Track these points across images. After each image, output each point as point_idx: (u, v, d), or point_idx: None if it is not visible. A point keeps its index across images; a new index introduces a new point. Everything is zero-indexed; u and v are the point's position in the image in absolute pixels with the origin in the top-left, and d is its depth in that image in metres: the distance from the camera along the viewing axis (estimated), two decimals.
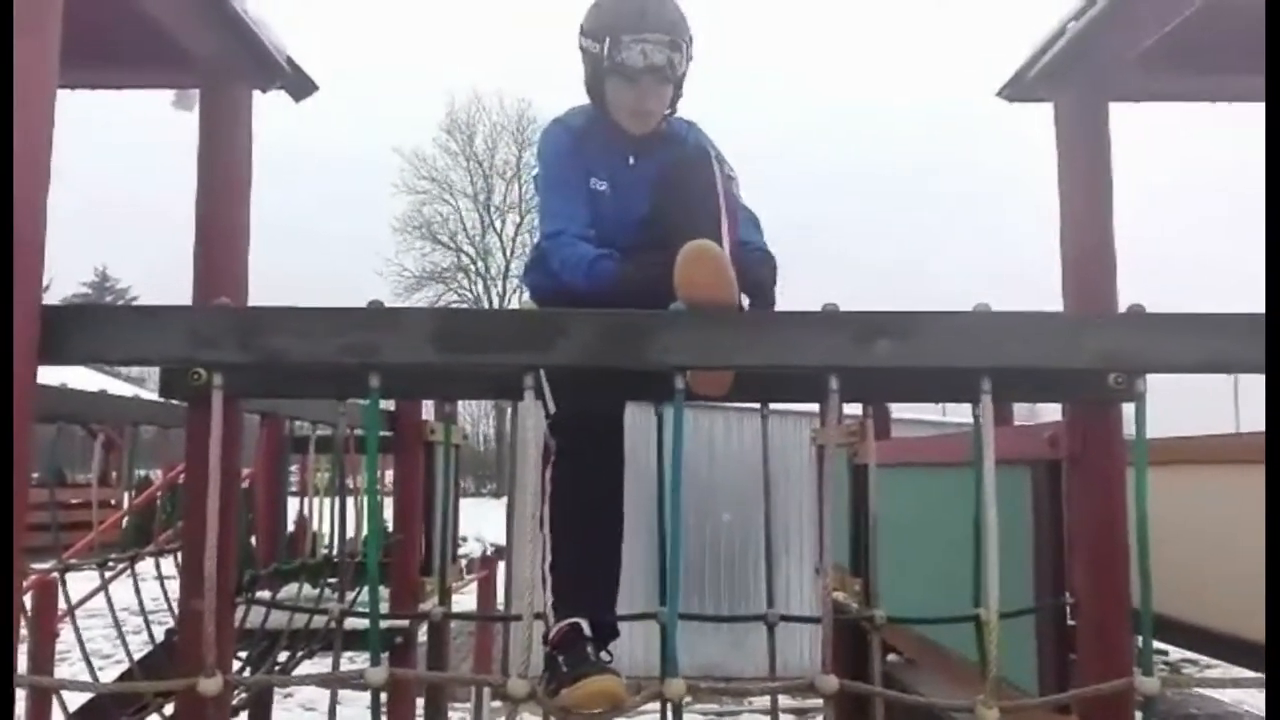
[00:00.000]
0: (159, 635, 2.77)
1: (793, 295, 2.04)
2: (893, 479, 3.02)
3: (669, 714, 1.60)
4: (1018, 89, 2.20)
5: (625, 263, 1.99)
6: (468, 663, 6.19)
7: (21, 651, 1.39)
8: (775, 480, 1.91)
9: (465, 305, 29.71)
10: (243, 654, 2.64)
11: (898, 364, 1.30)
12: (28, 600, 2.75)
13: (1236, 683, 1.46)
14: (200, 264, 2.00)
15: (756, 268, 2.00)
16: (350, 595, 2.23)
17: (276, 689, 4.58)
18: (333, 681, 1.51)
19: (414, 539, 3.58)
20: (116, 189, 43.14)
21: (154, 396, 1.93)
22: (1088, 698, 1.63)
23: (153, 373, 1.64)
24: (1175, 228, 37.89)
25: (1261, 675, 1.28)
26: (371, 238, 37.34)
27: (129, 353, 1.35)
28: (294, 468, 3.92)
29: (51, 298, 1.39)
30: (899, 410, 4.96)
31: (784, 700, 5.70)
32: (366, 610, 1.35)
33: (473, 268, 32.26)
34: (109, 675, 3.57)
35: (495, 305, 29.29)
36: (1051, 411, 2.11)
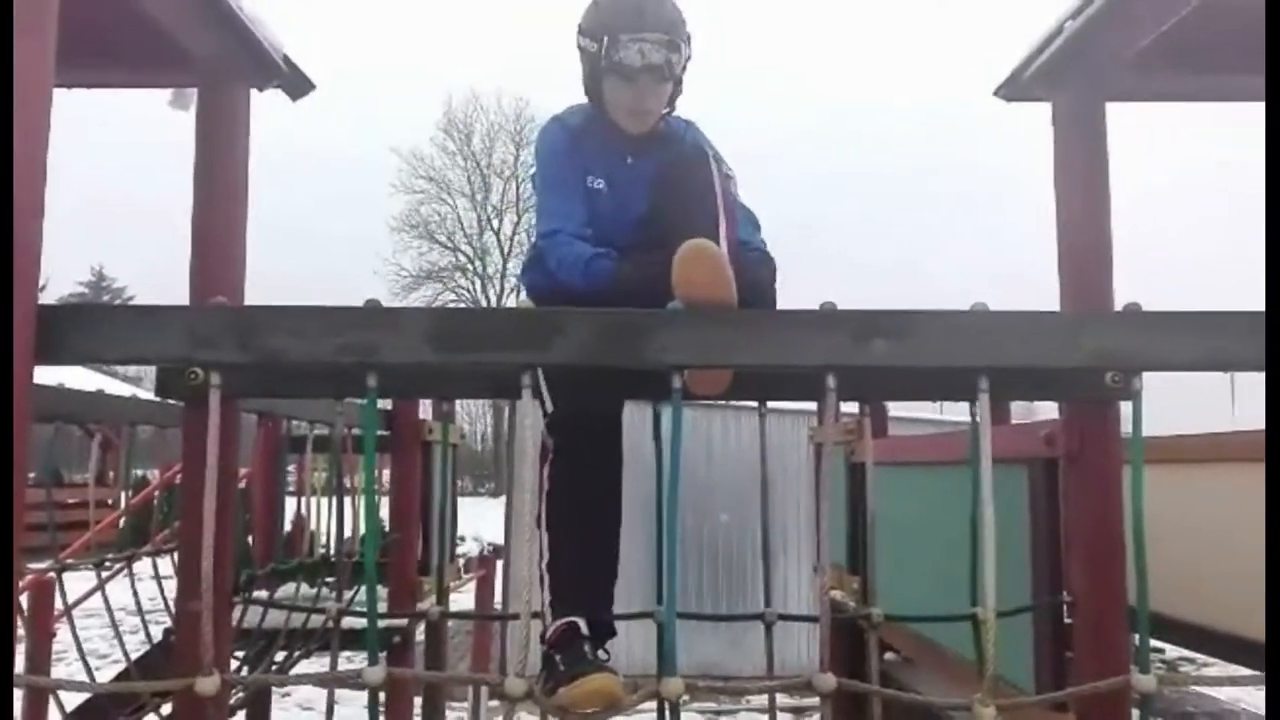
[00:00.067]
0: (156, 635, 2.77)
1: (792, 295, 2.04)
2: (890, 478, 3.02)
3: (666, 713, 1.60)
4: (1015, 88, 2.20)
5: (623, 262, 1.98)
6: (465, 662, 6.19)
7: (18, 651, 1.39)
8: (773, 479, 1.91)
9: (463, 305, 29.68)
10: (240, 653, 2.64)
11: (895, 363, 1.30)
12: (24, 600, 2.75)
13: (1233, 680, 1.47)
14: (197, 263, 2.00)
15: (755, 268, 2.00)
16: (348, 594, 2.23)
17: (274, 688, 4.57)
18: (330, 681, 1.51)
19: (411, 538, 3.57)
20: (113, 188, 43.18)
21: (151, 396, 1.93)
22: (1085, 696, 1.63)
23: (149, 372, 1.64)
24: (1175, 227, 38.03)
25: (1258, 673, 1.28)
26: (369, 237, 37.29)
27: (126, 352, 1.35)
28: (291, 467, 3.92)
29: (48, 297, 1.39)
30: (896, 409, 4.97)
31: (782, 699, 5.71)
32: (364, 609, 1.35)
33: (470, 267, 32.22)
34: (106, 675, 3.57)
35: (492, 304, 29.27)
36: (1048, 410, 2.12)
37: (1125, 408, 1.52)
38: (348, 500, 2.42)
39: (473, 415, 35.54)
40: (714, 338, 1.32)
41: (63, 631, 2.63)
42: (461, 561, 6.42)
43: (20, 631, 1.76)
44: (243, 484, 3.53)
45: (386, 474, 3.66)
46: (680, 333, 1.30)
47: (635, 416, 1.99)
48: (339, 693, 1.59)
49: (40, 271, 1.26)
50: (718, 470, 7.98)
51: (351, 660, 3.48)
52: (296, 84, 2.22)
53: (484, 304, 29.75)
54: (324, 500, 3.34)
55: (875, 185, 45.73)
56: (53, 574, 2.23)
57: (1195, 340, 1.32)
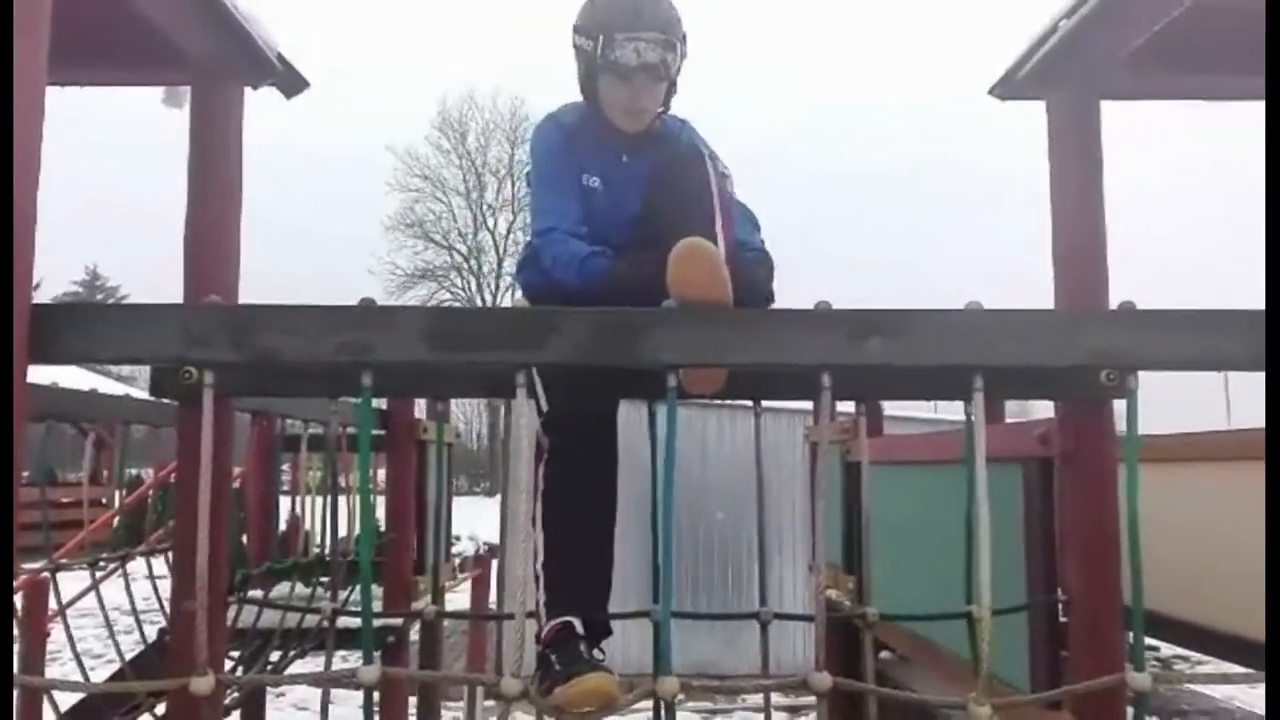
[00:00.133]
0: (151, 635, 2.76)
1: (788, 294, 2.04)
2: (885, 477, 3.02)
3: (662, 712, 1.60)
4: (1009, 87, 2.21)
5: (618, 260, 1.98)
6: (461, 661, 6.18)
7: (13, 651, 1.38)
8: (768, 478, 1.91)
9: (458, 304, 29.64)
10: (235, 653, 2.64)
11: (890, 362, 1.30)
12: (18, 600, 2.74)
13: (1228, 678, 1.48)
14: (191, 262, 1.99)
15: (751, 267, 1.99)
16: (343, 594, 2.22)
17: (269, 688, 4.57)
18: (325, 680, 1.50)
19: (407, 538, 3.57)
20: (107, 187, 43.12)
21: (145, 395, 1.93)
22: (1080, 694, 1.63)
23: (143, 372, 1.64)
24: (1169, 226, 38.11)
25: (1251, 671, 1.28)
26: (364, 236, 37.18)
27: (120, 351, 1.34)
28: (286, 466, 3.91)
29: (42, 297, 1.38)
30: (892, 408, 4.96)
31: (777, 698, 5.72)
32: (359, 609, 1.35)
33: (465, 266, 32.18)
34: (100, 675, 3.56)
35: (488, 303, 29.25)
36: (1044, 409, 2.12)
37: (1120, 406, 1.52)
38: (342, 499, 2.42)
39: (468, 414, 35.54)
40: (709, 337, 1.32)
41: (57, 631, 2.63)
42: (457, 561, 6.41)
43: (14, 631, 1.76)
44: (237, 483, 3.53)
45: (381, 473, 3.66)
46: (675, 332, 1.30)
47: (630, 416, 1.99)
48: (334, 692, 1.59)
49: (34, 270, 1.26)
50: (713, 469, 7.97)
51: (346, 660, 3.47)
52: (291, 82, 2.22)
53: (479, 303, 29.72)
54: (319, 499, 3.34)
55: (870, 184, 45.87)
56: (47, 574, 2.22)
57: (1190, 339, 1.32)
